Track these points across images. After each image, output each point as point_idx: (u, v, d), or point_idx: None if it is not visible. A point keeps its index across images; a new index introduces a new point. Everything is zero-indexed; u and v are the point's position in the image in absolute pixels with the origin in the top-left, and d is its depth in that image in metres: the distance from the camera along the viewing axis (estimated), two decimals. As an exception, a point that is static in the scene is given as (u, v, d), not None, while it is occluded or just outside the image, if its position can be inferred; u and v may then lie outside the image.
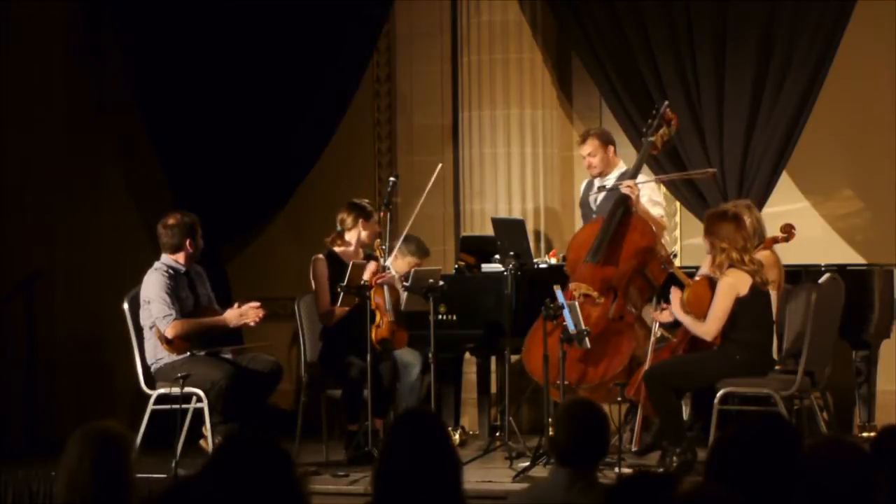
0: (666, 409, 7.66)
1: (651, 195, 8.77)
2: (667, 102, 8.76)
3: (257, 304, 8.22)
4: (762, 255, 7.89)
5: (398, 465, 3.83)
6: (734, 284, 7.56)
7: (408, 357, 8.71)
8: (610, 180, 8.76)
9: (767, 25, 9.35)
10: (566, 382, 7.83)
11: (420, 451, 3.82)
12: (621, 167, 8.88)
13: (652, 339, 8.06)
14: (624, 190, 8.36)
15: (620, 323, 8.23)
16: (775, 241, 8.12)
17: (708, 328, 7.60)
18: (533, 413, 9.59)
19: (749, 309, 7.57)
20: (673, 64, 9.57)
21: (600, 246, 8.33)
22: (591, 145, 8.87)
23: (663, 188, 9.63)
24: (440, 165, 8.72)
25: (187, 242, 8.32)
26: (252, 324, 8.23)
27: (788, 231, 8.16)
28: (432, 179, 8.68)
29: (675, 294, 7.75)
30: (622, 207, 8.38)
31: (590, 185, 9.03)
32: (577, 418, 4.60)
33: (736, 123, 9.42)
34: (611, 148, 8.93)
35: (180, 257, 8.32)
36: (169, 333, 8.10)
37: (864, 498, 3.49)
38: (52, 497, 8.00)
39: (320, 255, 8.73)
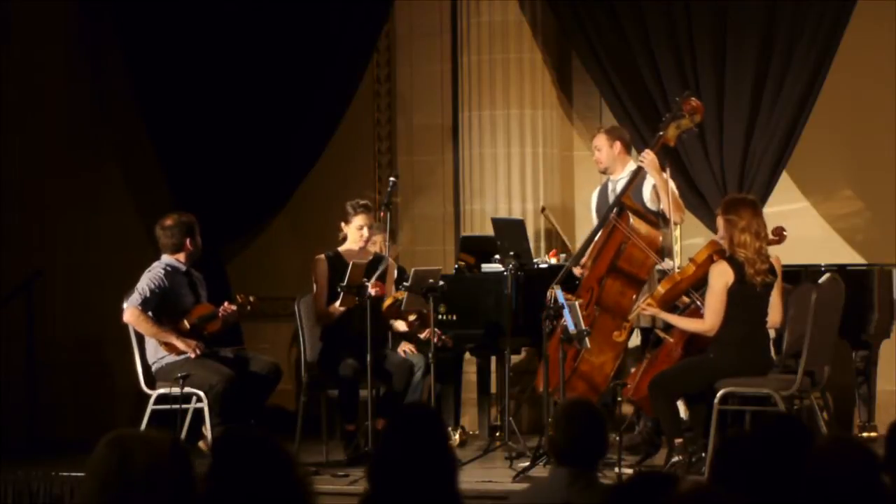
0: (666, 416, 7.66)
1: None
2: (687, 92, 8.64)
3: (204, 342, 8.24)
4: None
5: (392, 459, 3.83)
6: (723, 271, 7.52)
7: (411, 357, 8.72)
8: (622, 179, 8.65)
9: (767, 25, 9.34)
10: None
11: (415, 447, 3.83)
12: (631, 165, 8.67)
13: (653, 337, 8.06)
14: (640, 158, 8.36)
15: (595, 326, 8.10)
16: (767, 243, 8.12)
17: (708, 325, 7.55)
18: (533, 413, 9.59)
19: (733, 302, 7.52)
20: (673, 64, 9.56)
21: (581, 251, 8.31)
22: (598, 140, 8.71)
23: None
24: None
25: (187, 241, 8.36)
26: (192, 356, 8.18)
27: (779, 234, 8.16)
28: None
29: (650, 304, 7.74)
30: (614, 212, 8.33)
31: (603, 192, 8.83)
32: (575, 418, 4.60)
33: (736, 123, 9.41)
34: (617, 144, 8.67)
35: (181, 256, 8.36)
36: (125, 316, 8.16)
37: (871, 498, 3.48)
38: (54, 498, 8.03)
39: (321, 256, 8.73)
